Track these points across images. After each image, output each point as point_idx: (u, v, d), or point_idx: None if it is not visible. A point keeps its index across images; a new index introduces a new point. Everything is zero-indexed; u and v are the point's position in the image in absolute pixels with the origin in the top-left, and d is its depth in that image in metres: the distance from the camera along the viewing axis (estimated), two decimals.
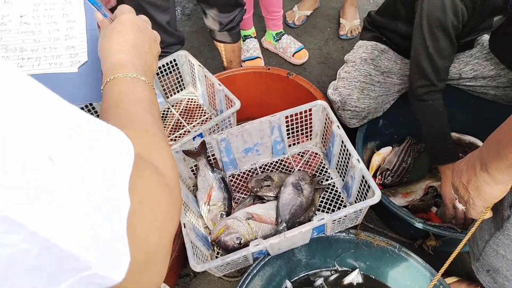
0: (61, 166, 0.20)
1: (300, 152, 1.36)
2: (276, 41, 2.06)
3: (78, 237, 0.19)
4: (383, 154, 1.54)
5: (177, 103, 1.52)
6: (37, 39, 0.73)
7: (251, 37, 2.04)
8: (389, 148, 1.57)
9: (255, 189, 1.20)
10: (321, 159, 1.33)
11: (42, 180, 0.19)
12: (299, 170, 1.29)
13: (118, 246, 0.21)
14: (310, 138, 1.35)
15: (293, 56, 2.01)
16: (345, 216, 1.03)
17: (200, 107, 1.50)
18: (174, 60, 1.41)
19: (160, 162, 0.37)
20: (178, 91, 1.51)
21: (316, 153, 1.36)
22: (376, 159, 1.53)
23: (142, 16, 0.74)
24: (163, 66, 1.40)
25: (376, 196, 1.00)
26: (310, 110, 1.25)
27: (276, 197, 1.18)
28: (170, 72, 1.43)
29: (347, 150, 1.13)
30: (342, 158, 1.20)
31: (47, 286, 0.19)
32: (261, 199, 1.21)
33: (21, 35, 0.73)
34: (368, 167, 1.53)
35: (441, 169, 1.26)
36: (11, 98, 0.20)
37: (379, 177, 1.47)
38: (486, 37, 1.42)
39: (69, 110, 0.23)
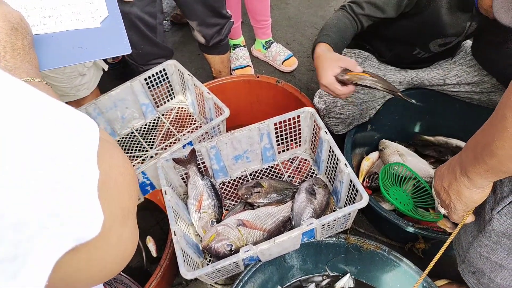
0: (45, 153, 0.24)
1: (289, 159, 1.38)
2: (265, 49, 2.08)
3: (54, 201, 0.24)
4: (372, 159, 1.56)
5: (167, 112, 1.52)
6: None
7: (241, 46, 2.07)
8: (378, 152, 1.59)
9: (245, 196, 1.20)
10: (311, 165, 1.35)
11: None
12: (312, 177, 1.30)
13: (91, 207, 0.26)
14: (300, 145, 1.37)
15: (282, 64, 2.04)
16: (334, 220, 1.04)
17: (190, 116, 1.51)
18: (164, 70, 1.42)
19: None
20: (168, 100, 1.52)
21: (306, 159, 1.37)
22: (366, 164, 1.55)
23: (4, 4, 0.61)
24: (153, 75, 1.41)
25: (363, 200, 1.01)
26: (298, 117, 1.26)
27: (266, 204, 1.19)
28: (160, 82, 1.44)
29: (335, 155, 1.14)
30: (330, 163, 1.21)
31: (30, 239, 0.23)
32: (251, 206, 1.22)
33: None
34: (358, 173, 1.55)
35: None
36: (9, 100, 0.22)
37: (367, 180, 1.48)
38: (469, 43, 1.45)
39: (43, 100, 0.26)
